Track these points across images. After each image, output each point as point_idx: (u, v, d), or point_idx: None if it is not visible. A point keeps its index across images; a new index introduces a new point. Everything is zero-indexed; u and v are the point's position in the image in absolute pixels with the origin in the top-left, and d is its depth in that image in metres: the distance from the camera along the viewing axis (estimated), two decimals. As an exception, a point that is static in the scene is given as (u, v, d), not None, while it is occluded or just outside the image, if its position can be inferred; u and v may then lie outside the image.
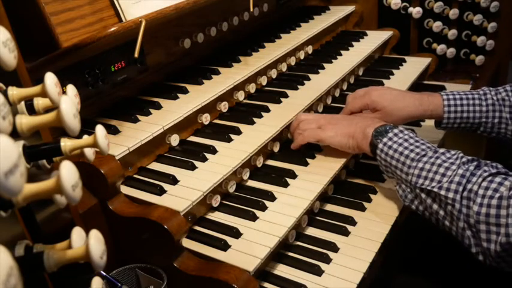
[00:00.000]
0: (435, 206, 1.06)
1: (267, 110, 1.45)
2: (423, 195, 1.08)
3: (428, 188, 1.04)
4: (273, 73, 1.64)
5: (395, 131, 1.17)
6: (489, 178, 0.98)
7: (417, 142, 1.13)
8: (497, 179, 0.97)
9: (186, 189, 1.12)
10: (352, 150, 1.28)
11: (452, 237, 1.05)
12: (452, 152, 1.08)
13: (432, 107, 1.37)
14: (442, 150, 1.09)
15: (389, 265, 1.27)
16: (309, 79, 1.65)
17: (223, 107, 1.44)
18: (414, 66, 1.89)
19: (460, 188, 0.99)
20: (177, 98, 1.38)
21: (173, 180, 1.15)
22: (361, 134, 1.23)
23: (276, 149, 1.38)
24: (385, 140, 1.16)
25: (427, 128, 1.59)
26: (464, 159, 1.05)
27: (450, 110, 1.36)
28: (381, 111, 1.38)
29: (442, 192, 1.01)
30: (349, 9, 2.11)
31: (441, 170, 1.04)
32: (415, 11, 2.05)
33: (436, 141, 1.52)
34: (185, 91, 1.41)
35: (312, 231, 1.20)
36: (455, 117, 1.36)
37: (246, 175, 1.27)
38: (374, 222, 1.21)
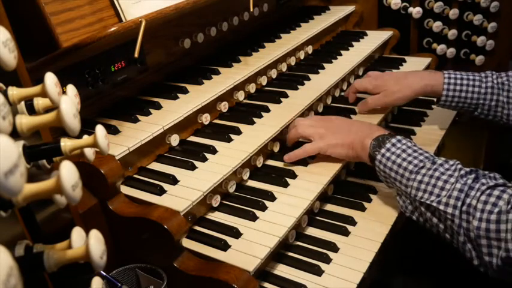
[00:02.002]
0: (435, 220, 1.06)
1: (267, 110, 1.45)
2: (422, 209, 1.08)
3: (427, 201, 1.04)
4: (273, 73, 1.64)
5: (393, 140, 1.16)
6: (487, 191, 0.97)
7: (415, 152, 1.12)
8: (496, 192, 0.97)
9: (186, 189, 1.12)
10: (352, 159, 1.29)
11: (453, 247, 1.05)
12: (451, 163, 1.07)
13: (433, 82, 1.41)
14: (440, 160, 1.08)
15: (389, 265, 1.27)
16: (309, 79, 1.65)
17: (223, 107, 1.44)
18: (414, 66, 1.89)
19: (459, 203, 0.99)
20: (177, 98, 1.38)
21: (173, 180, 1.15)
22: (360, 144, 1.22)
23: (276, 149, 1.38)
24: (383, 151, 1.15)
25: (427, 131, 1.59)
26: (462, 172, 1.04)
27: (449, 88, 1.39)
28: (384, 91, 1.43)
29: (441, 207, 1.01)
30: (349, 9, 2.11)
31: (439, 183, 1.03)
32: (415, 11, 2.05)
33: (437, 139, 1.52)
34: (185, 91, 1.41)
35: (312, 231, 1.20)
36: (453, 95, 1.39)
37: (246, 175, 1.27)
38: (374, 222, 1.21)
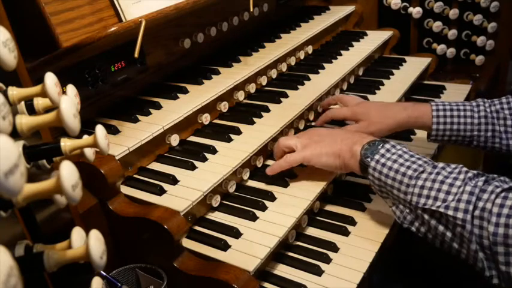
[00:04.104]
0: (441, 228, 0.95)
1: (267, 110, 1.45)
2: (426, 216, 0.97)
3: (433, 208, 0.94)
4: (273, 73, 1.64)
5: (387, 146, 1.07)
6: (503, 194, 0.88)
7: (412, 157, 1.03)
8: None
9: (186, 189, 1.12)
10: (339, 169, 1.19)
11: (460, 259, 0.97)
12: (453, 166, 0.98)
13: (417, 114, 1.30)
14: (441, 164, 1.00)
15: (388, 266, 1.27)
16: (309, 79, 1.65)
17: (223, 107, 1.44)
18: (414, 66, 1.89)
19: (470, 207, 0.89)
20: (177, 98, 1.38)
21: (173, 180, 1.15)
22: (348, 152, 1.12)
23: (276, 149, 1.38)
24: (377, 157, 1.06)
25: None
26: (470, 174, 0.95)
27: (439, 121, 1.28)
28: (365, 121, 1.34)
29: (450, 213, 0.91)
30: (349, 9, 2.11)
31: (444, 187, 0.94)
32: (415, 11, 2.06)
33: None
34: (185, 91, 1.41)
35: (312, 231, 1.20)
36: (444, 129, 1.28)
37: (246, 175, 1.27)
38: (374, 222, 1.21)
